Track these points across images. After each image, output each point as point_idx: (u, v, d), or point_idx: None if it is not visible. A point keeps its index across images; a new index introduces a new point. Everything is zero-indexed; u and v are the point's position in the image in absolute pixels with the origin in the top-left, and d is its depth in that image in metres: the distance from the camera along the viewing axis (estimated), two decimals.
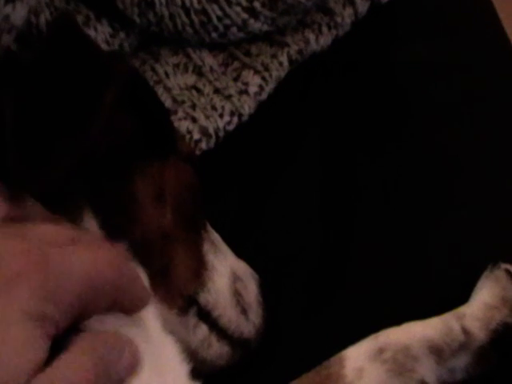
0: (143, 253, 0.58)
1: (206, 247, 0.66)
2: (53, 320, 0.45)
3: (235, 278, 0.67)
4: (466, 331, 0.65)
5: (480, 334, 0.65)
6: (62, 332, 0.46)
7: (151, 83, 0.79)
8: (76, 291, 0.46)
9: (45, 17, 0.73)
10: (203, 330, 0.64)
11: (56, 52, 0.57)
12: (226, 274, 0.66)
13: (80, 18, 0.76)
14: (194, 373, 0.56)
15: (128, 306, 0.51)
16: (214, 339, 0.65)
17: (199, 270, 0.64)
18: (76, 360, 0.46)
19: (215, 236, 0.68)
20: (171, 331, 0.57)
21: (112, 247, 0.51)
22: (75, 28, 0.61)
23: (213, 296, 0.65)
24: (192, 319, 0.64)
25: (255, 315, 0.67)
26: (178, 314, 0.62)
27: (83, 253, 0.48)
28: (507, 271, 0.69)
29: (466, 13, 0.90)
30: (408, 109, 0.83)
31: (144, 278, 0.56)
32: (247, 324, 0.67)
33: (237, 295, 0.66)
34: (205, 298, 0.64)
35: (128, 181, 0.60)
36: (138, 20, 0.79)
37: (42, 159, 0.52)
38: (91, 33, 0.77)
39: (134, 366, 0.49)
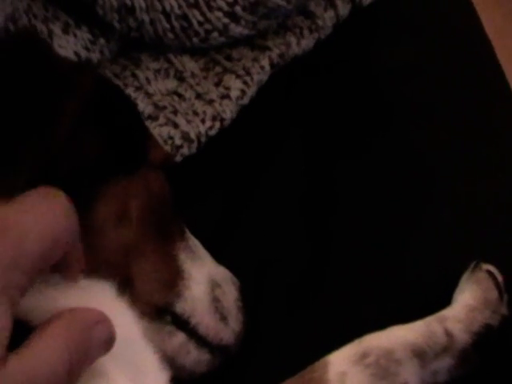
0: (104, 266, 0.57)
1: (183, 256, 0.65)
2: (19, 286, 0.45)
3: (214, 284, 0.67)
4: (448, 334, 0.65)
5: (462, 336, 0.65)
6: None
7: (132, 89, 0.79)
8: (39, 250, 0.45)
9: (23, 24, 0.72)
10: (180, 337, 0.64)
11: (14, 65, 0.57)
12: (204, 282, 0.66)
13: (59, 25, 0.76)
14: (174, 380, 0.56)
15: (70, 264, 0.50)
16: (192, 346, 0.65)
17: (172, 279, 0.64)
18: (50, 343, 0.45)
19: (194, 242, 0.68)
20: (149, 339, 0.57)
21: (61, 196, 0.48)
22: (37, 41, 0.61)
23: (190, 304, 0.64)
24: (167, 327, 0.63)
25: (235, 321, 0.67)
26: (150, 323, 0.62)
27: (36, 208, 0.46)
28: (488, 272, 0.69)
29: (447, 15, 0.90)
30: (388, 111, 0.82)
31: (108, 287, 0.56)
32: (227, 330, 0.66)
33: (215, 302, 0.66)
34: (181, 306, 0.64)
35: (89, 202, 0.59)
36: (118, 26, 0.79)
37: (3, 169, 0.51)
38: (71, 39, 0.77)
39: (110, 342, 0.49)
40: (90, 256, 0.54)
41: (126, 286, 0.59)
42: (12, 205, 0.46)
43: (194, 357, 0.65)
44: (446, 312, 0.66)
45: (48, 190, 0.48)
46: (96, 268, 0.55)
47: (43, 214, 0.46)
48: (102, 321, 0.49)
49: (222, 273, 0.69)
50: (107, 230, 0.59)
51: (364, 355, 0.63)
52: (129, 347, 0.53)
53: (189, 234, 0.68)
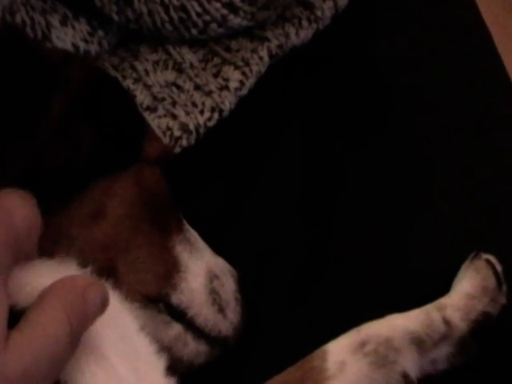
0: (86, 256, 0.57)
1: (180, 248, 0.65)
2: (7, 264, 0.47)
3: (212, 276, 0.67)
4: (447, 322, 0.65)
5: (461, 324, 0.65)
6: None
7: (131, 81, 0.79)
8: (24, 231, 0.48)
9: (21, 16, 0.72)
10: (176, 328, 0.64)
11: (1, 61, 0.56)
12: (202, 274, 0.66)
13: (57, 17, 0.76)
14: (171, 370, 0.56)
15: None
16: (189, 338, 0.65)
17: (167, 271, 0.64)
18: (48, 310, 0.46)
19: (192, 234, 0.68)
20: (142, 326, 0.57)
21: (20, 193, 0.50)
22: (22, 37, 0.60)
23: (187, 296, 0.64)
24: (161, 316, 0.63)
25: (233, 313, 0.67)
26: (141, 308, 0.62)
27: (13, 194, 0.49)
28: (488, 261, 0.69)
29: (446, 6, 0.90)
30: (387, 102, 0.82)
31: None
32: (225, 322, 0.66)
33: (213, 294, 0.66)
34: (178, 298, 0.64)
35: (77, 196, 0.59)
36: (116, 17, 0.78)
37: None
38: (69, 31, 0.76)
39: (104, 302, 0.50)
40: (73, 245, 0.57)
41: (110, 274, 0.59)
42: None
43: (192, 348, 0.65)
44: (444, 300, 0.66)
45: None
46: (79, 257, 0.56)
47: (21, 204, 0.49)
48: (93, 283, 0.50)
49: (220, 264, 0.69)
50: (87, 224, 0.60)
51: (363, 343, 0.63)
52: (123, 333, 0.54)
53: (187, 226, 0.68)
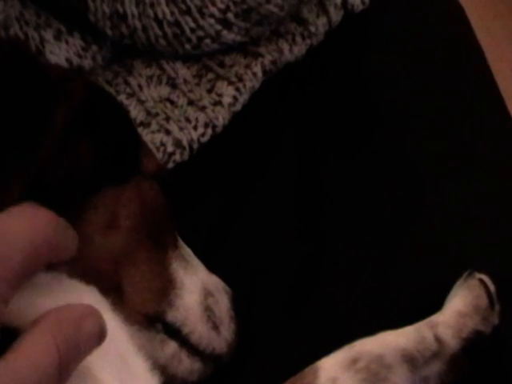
0: (91, 274, 0.57)
1: (175, 264, 0.65)
2: (2, 297, 0.44)
3: (206, 293, 0.66)
4: (438, 339, 0.65)
5: (452, 341, 0.65)
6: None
7: (124, 96, 0.79)
8: (21, 260, 0.45)
9: (15, 31, 0.73)
10: (172, 346, 0.64)
11: (0, 75, 0.55)
12: (197, 291, 0.66)
13: (51, 32, 0.76)
14: None
15: (59, 258, 0.49)
16: (184, 355, 0.64)
17: (164, 288, 0.63)
18: (37, 339, 0.45)
19: (186, 251, 0.68)
20: (139, 346, 0.56)
21: (43, 208, 0.49)
22: (23, 51, 0.60)
23: (182, 313, 0.64)
24: (158, 336, 0.63)
25: (227, 330, 0.67)
26: (140, 330, 0.62)
27: (18, 217, 0.47)
28: (481, 280, 0.69)
29: (438, 21, 0.90)
30: (378, 115, 0.83)
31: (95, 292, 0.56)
32: (219, 339, 0.66)
33: (208, 311, 0.66)
34: (173, 315, 0.63)
35: (81, 210, 0.59)
36: (110, 33, 0.79)
37: None
38: (63, 46, 0.77)
39: (101, 335, 0.48)
40: (79, 262, 0.54)
41: (115, 294, 0.59)
42: None
43: (186, 366, 0.65)
44: (436, 317, 0.66)
45: (31, 205, 0.48)
46: (85, 274, 0.55)
47: (25, 227, 0.46)
48: (91, 314, 0.48)
49: (214, 282, 0.69)
50: (95, 239, 0.59)
51: (355, 360, 0.63)
52: (117, 353, 0.53)
53: (181, 243, 0.68)
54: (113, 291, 0.59)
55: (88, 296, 0.55)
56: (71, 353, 0.46)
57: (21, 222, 0.46)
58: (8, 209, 0.47)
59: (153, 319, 0.62)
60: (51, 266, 0.51)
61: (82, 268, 0.56)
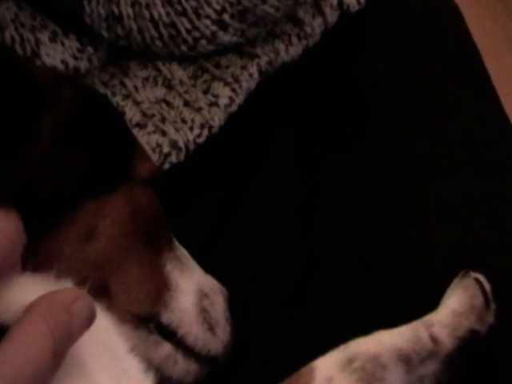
0: (78, 276, 0.56)
1: (170, 266, 0.65)
2: None
3: (202, 295, 0.66)
4: (434, 339, 0.65)
5: (448, 341, 0.65)
6: None
7: (120, 97, 0.79)
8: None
9: (10, 33, 0.73)
10: (166, 348, 0.64)
11: None
12: (192, 292, 0.66)
13: (47, 34, 0.76)
14: None
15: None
16: (179, 357, 0.64)
17: (158, 290, 0.63)
18: (31, 327, 0.45)
19: (182, 252, 0.68)
20: (132, 347, 0.56)
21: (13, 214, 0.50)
22: (10, 55, 0.60)
23: (177, 315, 0.64)
24: (152, 336, 0.63)
25: (223, 331, 0.67)
26: (132, 329, 0.62)
27: None
28: (476, 280, 0.69)
29: (435, 23, 0.90)
30: (373, 114, 0.83)
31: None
32: (215, 341, 0.66)
33: (203, 312, 0.66)
34: (168, 317, 0.63)
35: (61, 223, 0.59)
36: (106, 34, 0.79)
37: None
38: (58, 48, 0.76)
39: (91, 317, 0.48)
40: (64, 267, 0.56)
41: (104, 294, 0.59)
42: None
43: (182, 367, 0.65)
44: (432, 317, 0.67)
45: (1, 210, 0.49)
46: (71, 275, 0.55)
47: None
48: (80, 297, 0.48)
49: (210, 283, 0.68)
50: (78, 244, 0.59)
51: (350, 360, 0.63)
52: (111, 354, 0.53)
53: (177, 244, 0.68)
54: (101, 292, 0.59)
55: None
56: (64, 337, 0.46)
57: (6, 220, 0.49)
58: None
59: (145, 319, 0.62)
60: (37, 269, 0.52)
61: (68, 272, 0.56)
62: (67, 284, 0.54)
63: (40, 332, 0.45)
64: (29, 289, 0.51)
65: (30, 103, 0.56)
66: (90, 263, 0.60)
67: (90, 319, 0.49)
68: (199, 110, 0.79)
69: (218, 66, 0.82)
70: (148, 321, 0.63)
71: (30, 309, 0.47)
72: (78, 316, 0.48)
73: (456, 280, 0.70)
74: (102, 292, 0.59)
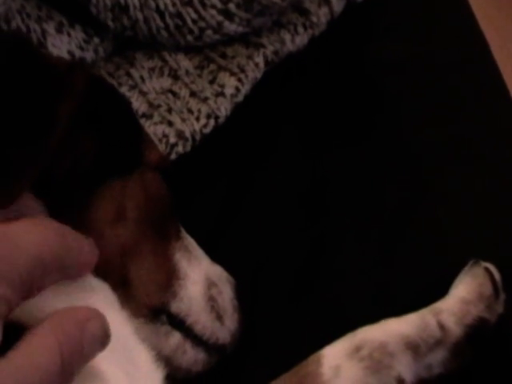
0: (101, 267, 0.56)
1: (178, 255, 0.65)
2: (6, 299, 0.44)
3: (210, 283, 0.67)
4: (441, 326, 0.65)
5: (456, 328, 0.65)
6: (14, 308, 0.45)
7: (126, 88, 0.79)
8: (27, 268, 0.45)
9: (16, 23, 0.73)
10: (176, 337, 0.64)
11: (3, 68, 0.55)
12: (200, 281, 0.66)
13: (53, 24, 0.76)
14: (169, 379, 0.56)
15: (73, 274, 0.51)
16: (188, 346, 0.65)
17: (168, 279, 0.63)
18: (40, 339, 0.45)
19: (189, 242, 0.68)
20: (143, 338, 0.57)
21: (57, 223, 0.50)
22: (26, 43, 0.60)
23: (186, 304, 0.64)
24: (163, 327, 0.63)
25: (231, 320, 0.67)
26: (145, 323, 0.62)
27: (31, 228, 0.47)
28: (486, 269, 0.69)
29: (442, 12, 0.90)
30: (380, 106, 0.83)
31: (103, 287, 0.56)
32: (223, 329, 0.66)
33: (211, 301, 0.66)
34: (177, 306, 0.64)
35: (86, 204, 0.59)
36: (112, 25, 0.79)
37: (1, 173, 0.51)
38: (64, 38, 0.77)
39: (105, 338, 0.48)
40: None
41: (122, 287, 0.59)
42: (6, 225, 0.47)
43: (190, 356, 0.65)
44: (440, 304, 0.66)
45: (43, 218, 0.51)
46: (95, 268, 0.55)
47: (35, 234, 0.47)
48: (95, 317, 0.48)
49: (217, 272, 0.69)
50: (104, 231, 0.59)
51: (358, 348, 0.63)
52: (122, 346, 0.53)
53: (184, 234, 0.68)
54: (121, 285, 0.59)
55: (99, 291, 0.56)
56: (74, 353, 0.46)
57: (32, 229, 0.48)
58: (19, 220, 0.48)
59: (158, 311, 0.63)
60: None
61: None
62: (90, 280, 0.54)
63: (48, 344, 0.45)
64: (60, 288, 0.50)
65: (47, 90, 0.56)
66: (116, 249, 0.60)
67: (103, 340, 0.48)
68: (205, 100, 0.79)
69: (223, 56, 0.82)
70: (160, 312, 0.63)
71: (44, 322, 0.46)
72: (91, 334, 0.47)
73: (465, 269, 0.70)
74: (121, 285, 0.59)
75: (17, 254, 0.46)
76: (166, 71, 0.81)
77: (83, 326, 0.47)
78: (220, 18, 0.79)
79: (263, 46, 0.82)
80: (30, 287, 0.46)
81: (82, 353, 0.46)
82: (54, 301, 0.50)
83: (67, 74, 0.59)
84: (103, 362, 0.50)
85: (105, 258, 0.58)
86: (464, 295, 0.67)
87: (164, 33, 0.79)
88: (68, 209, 0.57)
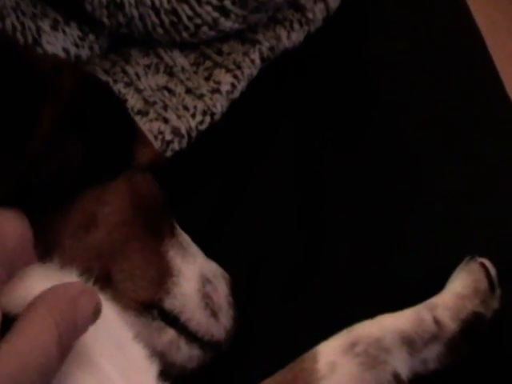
0: (80, 265, 0.57)
1: (172, 252, 0.65)
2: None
3: (204, 280, 0.67)
4: (437, 321, 0.65)
5: (451, 323, 0.65)
6: None
7: (122, 85, 0.79)
8: (12, 246, 0.50)
9: (11, 21, 0.72)
10: (170, 333, 0.64)
11: None
12: (194, 278, 0.66)
13: (48, 22, 0.76)
14: (164, 375, 0.56)
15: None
16: (183, 342, 0.65)
17: (160, 276, 0.63)
18: (36, 319, 0.46)
19: (184, 238, 0.68)
20: (136, 334, 0.57)
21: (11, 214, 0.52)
22: (9, 45, 0.60)
23: (179, 301, 0.64)
24: (155, 322, 0.63)
25: (225, 317, 0.67)
26: (136, 316, 0.62)
27: (11, 217, 0.51)
28: (482, 264, 0.69)
29: (439, 10, 0.90)
30: (377, 104, 0.82)
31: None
32: (217, 326, 0.66)
33: (206, 298, 0.66)
34: (170, 302, 0.64)
35: (65, 209, 0.59)
36: (107, 22, 0.79)
37: None
38: (59, 36, 0.76)
39: (97, 311, 0.49)
40: (67, 258, 0.56)
41: (107, 283, 0.60)
42: None
43: (185, 353, 0.65)
44: (435, 300, 0.66)
45: (17, 210, 0.52)
46: (73, 265, 0.56)
47: (16, 225, 0.51)
48: (85, 291, 0.49)
49: (213, 269, 0.69)
50: (79, 234, 0.59)
51: (353, 344, 0.63)
52: (115, 339, 0.53)
53: (179, 231, 0.68)
54: (105, 281, 0.59)
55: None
56: (69, 329, 0.47)
57: (13, 221, 0.51)
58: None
59: (148, 306, 0.63)
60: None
61: (71, 262, 0.56)
62: (71, 275, 0.55)
63: (46, 324, 0.46)
64: (36, 280, 0.51)
65: (30, 91, 0.56)
66: (92, 252, 0.60)
67: (95, 314, 0.49)
68: (201, 96, 0.79)
69: (219, 52, 0.82)
70: (151, 307, 0.63)
71: (36, 301, 0.47)
72: (84, 310, 0.48)
73: (461, 265, 0.70)
74: (105, 281, 0.59)
75: (4, 239, 0.50)
76: (162, 68, 0.81)
77: (75, 301, 0.48)
78: (215, 14, 0.79)
79: (259, 43, 0.82)
80: (15, 267, 0.50)
81: (76, 327, 0.48)
82: (38, 291, 0.50)
83: (53, 75, 0.58)
84: (97, 357, 0.51)
85: (83, 260, 0.58)
86: (459, 290, 0.67)
87: (159, 30, 0.79)
88: (46, 213, 0.57)
